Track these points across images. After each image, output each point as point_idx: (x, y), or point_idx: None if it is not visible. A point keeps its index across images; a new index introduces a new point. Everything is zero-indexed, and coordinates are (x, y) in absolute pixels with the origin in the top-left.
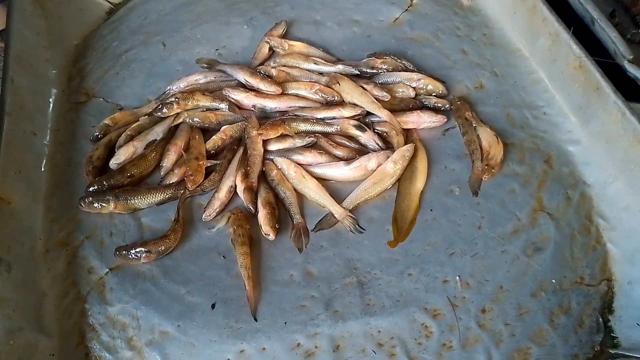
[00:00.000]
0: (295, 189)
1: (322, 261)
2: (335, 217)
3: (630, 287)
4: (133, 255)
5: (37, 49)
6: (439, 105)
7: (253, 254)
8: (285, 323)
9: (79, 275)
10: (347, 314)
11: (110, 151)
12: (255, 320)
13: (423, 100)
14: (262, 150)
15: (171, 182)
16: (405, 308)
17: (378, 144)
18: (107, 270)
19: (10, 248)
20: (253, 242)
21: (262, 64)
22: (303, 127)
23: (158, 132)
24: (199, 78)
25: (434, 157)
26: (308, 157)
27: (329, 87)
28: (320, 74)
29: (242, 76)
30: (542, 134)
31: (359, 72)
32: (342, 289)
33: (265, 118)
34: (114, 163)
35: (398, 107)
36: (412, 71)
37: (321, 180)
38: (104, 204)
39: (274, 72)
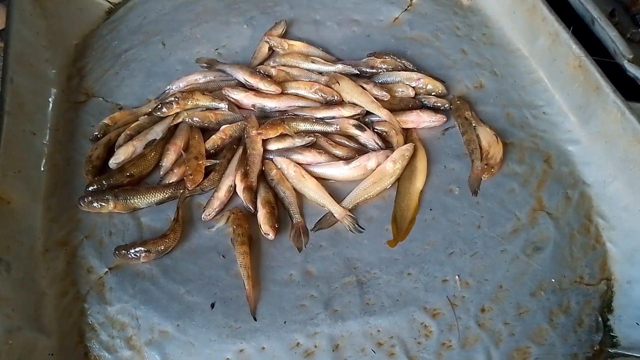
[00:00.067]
0: (294, 189)
1: (321, 260)
2: (334, 216)
3: (630, 286)
4: (132, 255)
5: (36, 48)
6: (439, 104)
7: (252, 253)
8: (284, 322)
9: (79, 274)
10: (347, 313)
11: (110, 151)
12: (255, 319)
13: (422, 100)
14: (262, 150)
15: (171, 181)
16: (405, 307)
17: (377, 144)
18: (107, 269)
19: (9, 247)
20: (252, 241)
21: (261, 63)
22: (302, 126)
23: (157, 131)
24: (199, 78)
25: (433, 156)
26: (307, 157)
27: (329, 87)
28: (320, 73)
29: (242, 76)
30: (541, 134)
31: (358, 72)
32: (341, 288)
33: (264, 117)
34: (113, 162)
35: (397, 106)
36: (412, 71)
37: (321, 179)
38: (103, 204)
39: (273, 71)
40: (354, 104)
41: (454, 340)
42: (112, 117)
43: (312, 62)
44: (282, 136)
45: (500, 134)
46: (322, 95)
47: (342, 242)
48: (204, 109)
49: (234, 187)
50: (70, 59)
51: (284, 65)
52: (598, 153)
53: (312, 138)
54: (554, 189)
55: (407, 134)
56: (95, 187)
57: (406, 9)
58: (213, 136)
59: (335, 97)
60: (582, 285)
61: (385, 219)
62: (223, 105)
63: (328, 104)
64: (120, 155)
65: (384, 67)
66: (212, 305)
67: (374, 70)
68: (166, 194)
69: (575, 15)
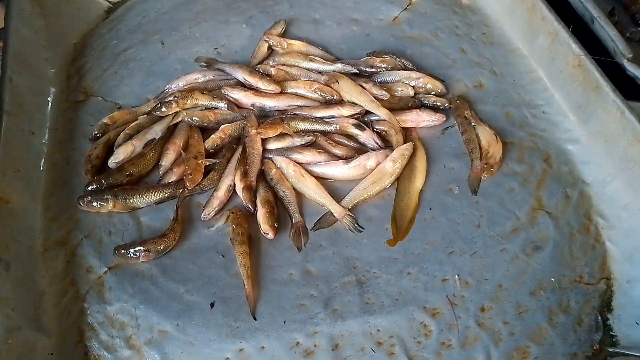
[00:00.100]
0: (294, 188)
1: (321, 260)
2: (334, 216)
3: (629, 285)
4: (132, 254)
5: (35, 47)
6: (438, 104)
7: (252, 252)
8: (284, 322)
9: (78, 274)
10: (346, 312)
11: (109, 150)
12: (255, 319)
13: (422, 99)
14: (261, 149)
15: (170, 181)
16: (405, 307)
17: (377, 143)
18: (106, 269)
19: (8, 247)
20: (252, 241)
21: (261, 62)
22: (302, 125)
23: (157, 131)
24: (198, 77)
25: (433, 155)
26: (307, 156)
27: (328, 86)
28: (319, 72)
29: (241, 75)
30: (541, 133)
31: (358, 71)
32: (341, 287)
33: (264, 117)
34: (112, 162)
35: (397, 105)
36: (411, 70)
37: (320, 179)
38: (102, 203)
39: (273, 70)
40: (354, 103)
41: (453, 340)
42: (111, 116)
43: (312, 61)
44: (282, 135)
45: (499, 133)
46: (322, 94)
47: (342, 241)
48: (203, 108)
49: (233, 187)
50: (69, 58)
51: (284, 65)
52: (598, 152)
53: (311, 137)
54: (554, 188)
55: (407, 133)
56: (94, 186)
57: (406, 8)
58: (212, 135)
59: (335, 97)
60: (581, 284)
61: (385, 219)
62: (222, 104)
63: (327, 103)
64: (120, 155)
65: (383, 66)
66: (212, 305)
67: (374, 70)
68: (165, 193)
69: (575, 14)
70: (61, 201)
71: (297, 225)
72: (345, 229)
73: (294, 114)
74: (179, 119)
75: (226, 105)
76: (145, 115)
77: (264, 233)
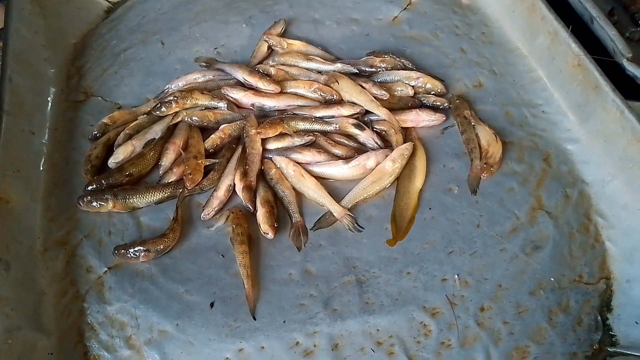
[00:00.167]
0: (294, 188)
1: (320, 260)
2: (334, 215)
3: (629, 285)
4: (132, 254)
5: (35, 47)
6: (438, 103)
7: (252, 252)
8: (284, 322)
9: (78, 274)
10: (346, 312)
11: (109, 150)
12: (254, 319)
13: (422, 99)
14: (261, 149)
15: (170, 181)
16: (404, 306)
17: (377, 143)
18: (106, 269)
19: (8, 247)
20: (252, 240)
21: (260, 62)
22: (302, 125)
23: (157, 131)
24: (198, 77)
25: (432, 155)
26: (307, 156)
27: (328, 86)
28: (319, 72)
29: (241, 75)
30: (540, 133)
31: (357, 71)
32: (340, 287)
33: (264, 117)
34: (112, 162)
35: (397, 105)
36: (411, 70)
37: (320, 178)
38: (102, 203)
39: (272, 70)
40: (353, 103)
41: (453, 339)
42: (111, 116)
43: (311, 61)
44: (281, 135)
45: (499, 133)
46: (321, 94)
47: (342, 241)
48: (203, 108)
49: (233, 187)
50: (69, 58)
51: (283, 64)
52: (597, 152)
53: (311, 137)
54: (553, 188)
55: (406, 133)
56: (94, 186)
57: (405, 8)
58: (212, 135)
59: (335, 96)
60: (581, 284)
61: (385, 218)
62: (222, 104)
63: (327, 103)
64: (120, 155)
65: (383, 66)
66: (212, 305)
67: (373, 69)
68: (165, 193)
69: (574, 14)
70: (61, 201)
71: (297, 225)
72: (345, 229)
73: (294, 113)
74: (179, 119)
75: (226, 105)
76: (145, 115)
77: (264, 233)
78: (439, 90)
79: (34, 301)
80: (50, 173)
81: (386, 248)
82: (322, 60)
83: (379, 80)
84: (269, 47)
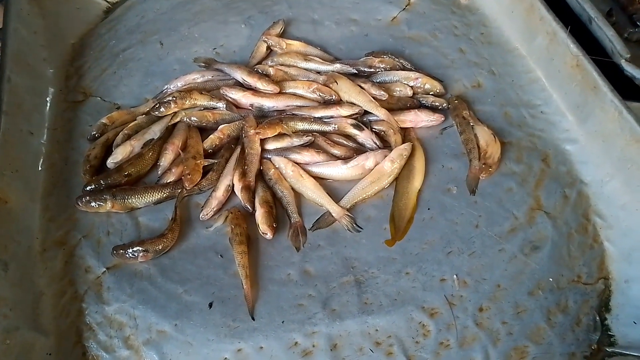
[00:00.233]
0: (292, 188)
1: (319, 260)
2: (332, 216)
3: (627, 285)
4: (130, 255)
5: (34, 47)
6: (437, 104)
7: (250, 252)
8: (282, 322)
9: (76, 274)
10: (345, 312)
11: (108, 150)
12: (253, 319)
13: (420, 99)
14: (260, 149)
15: (168, 181)
16: (403, 307)
17: (376, 143)
18: (105, 269)
19: (7, 247)
20: (250, 241)
21: (259, 63)
22: (301, 126)
23: (155, 131)
24: (197, 77)
25: (431, 156)
26: (306, 156)
27: (327, 86)
28: (318, 72)
29: (240, 75)
30: (539, 133)
31: (356, 71)
32: (339, 287)
33: (262, 117)
34: (111, 162)
35: (396, 106)
36: (410, 70)
37: (319, 179)
38: (101, 203)
39: (271, 71)
40: (352, 104)
41: (452, 340)
42: (110, 116)
43: (310, 61)
44: (280, 135)
45: (498, 133)
46: (320, 94)
47: (340, 241)
48: (202, 108)
49: (232, 187)
50: (68, 58)
51: (282, 65)
52: (596, 152)
53: (310, 137)
54: (552, 188)
55: (405, 134)
56: (93, 186)
57: (404, 9)
58: (211, 135)
59: (333, 97)
60: (579, 284)
61: (384, 219)
62: (221, 104)
63: (326, 103)
64: (118, 155)
65: (382, 66)
66: (210, 305)
67: (372, 70)
68: (164, 193)
69: (573, 14)
70: (60, 201)
71: (296, 225)
72: (343, 229)
73: (293, 114)
74: (178, 119)
75: (225, 106)
76: (143, 116)
77: (263, 233)
78: (437, 91)
79: (33, 301)
80: (48, 173)
81: (385, 248)
82: (321, 60)
83: (377, 80)
84: (268, 48)
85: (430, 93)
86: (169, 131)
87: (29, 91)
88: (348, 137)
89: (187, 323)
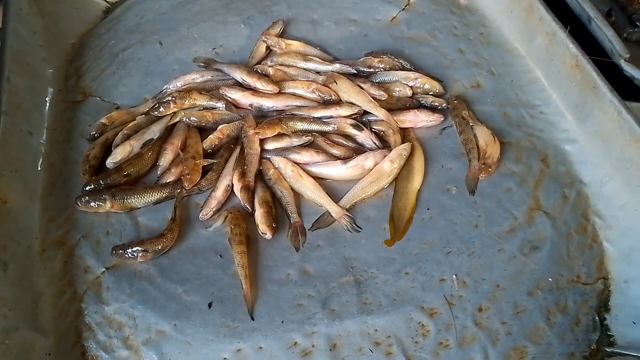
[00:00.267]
0: (292, 188)
1: (319, 260)
2: (332, 216)
3: (627, 285)
4: (129, 255)
5: (33, 47)
6: (436, 104)
7: (250, 253)
8: (282, 322)
9: (76, 274)
10: (344, 312)
11: (107, 150)
12: (252, 319)
13: (420, 99)
14: (259, 149)
15: (168, 181)
16: (402, 307)
17: (375, 143)
18: (104, 269)
19: (6, 247)
20: (250, 241)
21: (259, 63)
22: (300, 126)
23: (155, 131)
24: (196, 77)
25: (430, 156)
26: (305, 156)
27: (326, 86)
28: (318, 73)
29: (239, 75)
30: (538, 133)
31: (356, 71)
32: (339, 287)
33: (262, 117)
34: (110, 162)
35: (395, 106)
36: (409, 70)
37: (318, 179)
38: (100, 203)
39: (271, 71)
40: (352, 104)
41: (451, 340)
42: (109, 116)
43: (310, 61)
44: (280, 136)
45: (497, 134)
46: (320, 94)
47: (340, 241)
48: (202, 108)
49: (231, 187)
50: (67, 58)
51: (282, 65)
52: (595, 152)
53: (309, 137)
54: (551, 188)
55: (405, 134)
56: (92, 186)
57: (404, 9)
58: (210, 136)
59: (333, 97)
60: (579, 284)
61: (383, 219)
62: (220, 104)
63: (325, 103)
64: (118, 155)
65: (381, 66)
66: (210, 305)
67: (372, 70)
68: (163, 193)
69: (572, 14)
70: (59, 201)
71: (295, 226)
72: (343, 229)
73: (292, 114)
74: (177, 119)
75: (224, 106)
76: (143, 116)
77: (262, 233)
78: (437, 91)
79: (32, 301)
80: (48, 173)
81: (384, 248)
82: (320, 60)
83: (377, 80)
84: (268, 48)
85: (430, 93)
86: (169, 131)
87: (28, 91)
88: (347, 137)
89: (186, 323)
